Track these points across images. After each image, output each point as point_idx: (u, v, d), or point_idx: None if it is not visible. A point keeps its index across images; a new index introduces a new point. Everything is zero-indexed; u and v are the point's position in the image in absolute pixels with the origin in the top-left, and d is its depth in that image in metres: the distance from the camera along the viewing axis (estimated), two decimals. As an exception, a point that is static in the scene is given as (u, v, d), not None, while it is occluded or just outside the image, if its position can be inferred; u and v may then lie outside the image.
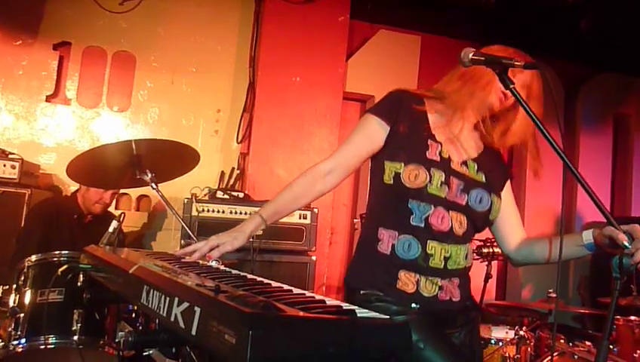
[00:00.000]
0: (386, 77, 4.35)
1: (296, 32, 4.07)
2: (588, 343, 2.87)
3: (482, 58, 1.38)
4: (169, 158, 2.37)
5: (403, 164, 1.47)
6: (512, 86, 1.36)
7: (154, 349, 1.42)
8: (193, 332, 0.88)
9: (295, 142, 4.01)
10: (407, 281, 1.47)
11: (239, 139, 4.14)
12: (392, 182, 1.48)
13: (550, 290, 3.18)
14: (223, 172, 4.14)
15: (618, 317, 2.98)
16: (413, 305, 1.46)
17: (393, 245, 1.48)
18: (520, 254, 1.64)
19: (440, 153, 1.51)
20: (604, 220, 1.38)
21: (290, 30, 4.06)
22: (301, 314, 0.85)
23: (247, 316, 0.77)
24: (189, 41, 4.17)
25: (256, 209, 3.11)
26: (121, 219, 2.39)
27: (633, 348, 2.82)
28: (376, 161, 1.57)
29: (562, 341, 2.92)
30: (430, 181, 1.45)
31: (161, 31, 4.13)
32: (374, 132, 1.55)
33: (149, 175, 2.21)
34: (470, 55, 1.40)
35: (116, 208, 3.86)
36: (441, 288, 1.48)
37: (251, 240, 3.01)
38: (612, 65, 4.90)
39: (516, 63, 1.33)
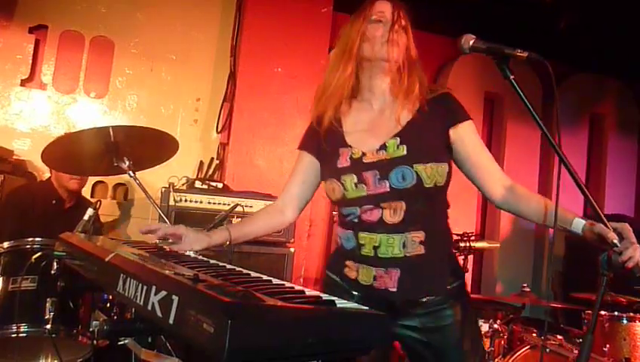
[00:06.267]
0: (367, 70, 4.35)
1: (278, 22, 4.04)
2: (560, 337, 2.93)
3: (483, 46, 1.36)
4: (147, 146, 2.33)
5: (324, 182, 1.62)
6: (511, 77, 1.35)
7: (129, 338, 1.40)
8: (171, 321, 0.87)
9: (276, 133, 3.99)
10: (351, 268, 1.58)
11: (219, 129, 4.10)
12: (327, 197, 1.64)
13: (524, 284, 3.23)
14: (201, 162, 4.10)
15: (589, 311, 3.05)
16: (355, 293, 1.56)
17: (340, 238, 1.63)
18: (507, 206, 1.57)
19: (351, 156, 1.56)
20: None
21: (273, 20, 4.03)
22: (280, 303, 0.85)
23: (226, 305, 0.76)
24: (169, 28, 4.10)
25: (235, 199, 3.14)
26: (97, 206, 2.35)
27: (603, 342, 2.88)
28: None
29: (534, 334, 2.98)
30: (345, 188, 1.54)
31: (141, 17, 4.05)
32: (304, 164, 1.72)
33: (127, 162, 2.17)
34: (471, 42, 1.38)
35: (92, 196, 3.80)
36: (375, 277, 1.52)
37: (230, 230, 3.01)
38: (588, 65, 4.99)
39: (519, 54, 1.32)
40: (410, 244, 1.49)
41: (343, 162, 1.55)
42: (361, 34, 1.58)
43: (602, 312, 2.96)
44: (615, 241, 1.23)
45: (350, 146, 1.57)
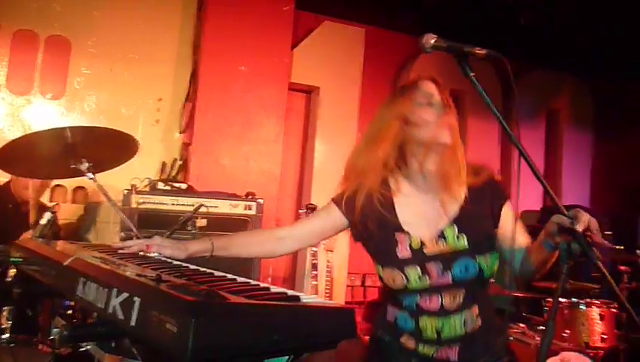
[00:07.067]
0: (331, 68, 4.37)
1: (240, 19, 4.01)
2: (522, 325, 3.01)
3: (444, 45, 1.37)
4: (106, 147, 2.27)
5: (381, 268, 1.54)
6: (471, 74, 1.37)
7: (92, 344, 1.37)
8: (132, 323, 0.85)
9: (240, 132, 3.96)
10: (407, 342, 1.56)
11: (181, 129, 4.04)
12: (380, 279, 1.57)
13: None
14: (164, 163, 4.04)
15: (549, 299, 3.15)
16: (413, 360, 1.56)
17: (395, 317, 1.58)
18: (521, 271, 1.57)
19: (410, 245, 1.51)
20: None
21: (235, 17, 4.00)
22: (245, 301, 0.84)
23: (189, 304, 0.75)
24: (129, 26, 4.02)
25: (199, 200, 3.10)
26: (55, 210, 2.28)
27: (562, 328, 2.98)
28: None
29: (498, 324, 3.05)
30: (407, 280, 1.49)
31: (98, 15, 3.95)
32: (328, 215, 1.63)
33: (85, 164, 2.11)
34: (432, 41, 1.39)
35: (51, 200, 3.69)
36: (437, 350, 1.53)
37: (194, 231, 2.97)
38: (545, 61, 5.14)
39: (477, 51, 1.34)
40: (470, 321, 1.52)
41: (404, 251, 1.51)
42: (402, 117, 1.52)
43: (562, 299, 3.06)
44: (570, 219, 1.26)
45: (407, 233, 1.53)
